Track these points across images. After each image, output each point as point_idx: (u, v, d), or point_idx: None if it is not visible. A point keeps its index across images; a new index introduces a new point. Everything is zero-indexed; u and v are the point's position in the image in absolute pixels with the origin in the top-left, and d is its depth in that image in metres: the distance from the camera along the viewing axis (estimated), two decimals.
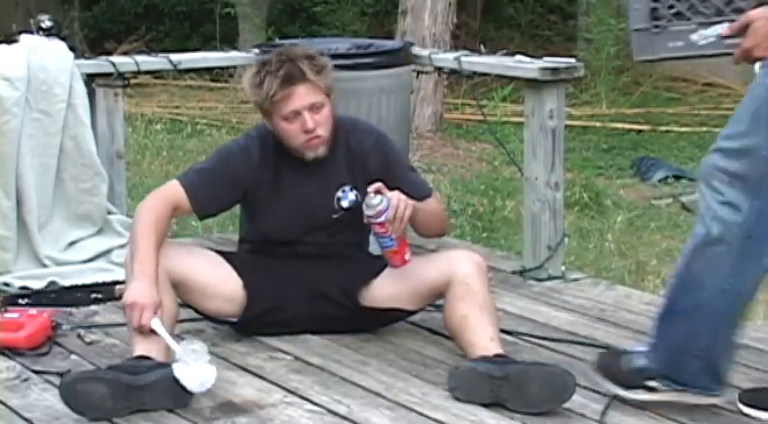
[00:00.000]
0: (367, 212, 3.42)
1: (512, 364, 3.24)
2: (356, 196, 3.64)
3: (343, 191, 3.66)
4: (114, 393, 3.07)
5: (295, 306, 3.64)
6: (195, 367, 3.16)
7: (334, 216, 3.67)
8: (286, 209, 3.65)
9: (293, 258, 3.66)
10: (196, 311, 3.65)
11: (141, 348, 3.23)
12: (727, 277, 2.99)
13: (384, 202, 3.41)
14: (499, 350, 3.31)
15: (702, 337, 3.05)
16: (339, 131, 3.66)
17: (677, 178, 7.34)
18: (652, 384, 3.13)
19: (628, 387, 3.15)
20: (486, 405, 3.16)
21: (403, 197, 3.43)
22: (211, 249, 3.81)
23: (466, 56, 4.95)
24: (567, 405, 3.16)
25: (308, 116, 3.51)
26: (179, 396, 3.13)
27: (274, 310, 3.64)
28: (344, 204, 3.66)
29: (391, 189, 3.46)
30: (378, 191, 3.42)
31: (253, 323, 3.64)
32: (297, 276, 3.64)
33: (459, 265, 3.50)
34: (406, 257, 3.50)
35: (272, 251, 3.68)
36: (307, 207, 3.65)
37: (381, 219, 3.41)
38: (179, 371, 3.14)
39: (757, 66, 2.96)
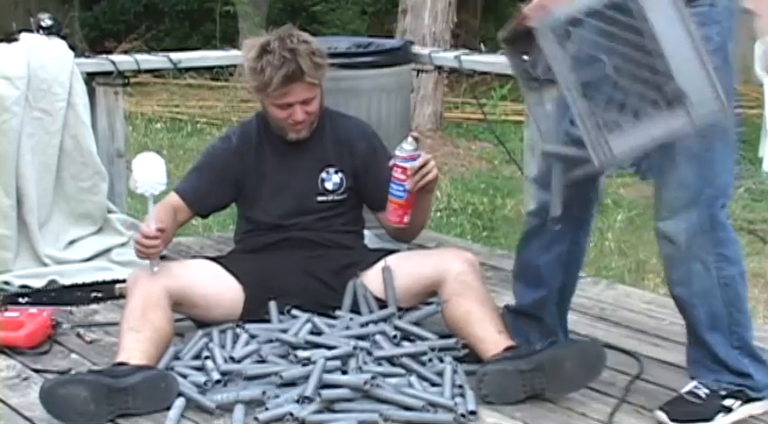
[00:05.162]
0: (398, 152, 3.45)
1: (537, 353, 3.19)
2: (341, 179, 3.72)
3: (327, 173, 3.73)
4: (96, 395, 3.01)
5: (292, 295, 3.62)
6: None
7: (320, 198, 3.71)
8: (271, 191, 3.71)
9: (288, 247, 3.66)
10: (202, 324, 3.60)
11: (122, 355, 3.20)
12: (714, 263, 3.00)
13: (418, 151, 3.44)
14: (509, 343, 3.28)
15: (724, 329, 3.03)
16: (326, 115, 3.76)
17: None
18: (727, 403, 3.05)
19: (708, 418, 3.05)
20: (487, 403, 3.15)
21: (434, 163, 3.45)
22: (207, 257, 3.79)
23: (466, 54, 4.95)
24: (567, 405, 3.15)
25: (299, 109, 3.61)
26: (163, 398, 3.08)
27: (273, 302, 3.62)
28: (328, 185, 3.72)
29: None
30: (416, 139, 3.47)
31: (255, 319, 3.62)
32: (291, 265, 3.63)
33: (452, 263, 3.49)
34: (406, 219, 3.49)
35: (263, 239, 3.69)
36: (292, 188, 3.70)
37: (407, 164, 3.42)
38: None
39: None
